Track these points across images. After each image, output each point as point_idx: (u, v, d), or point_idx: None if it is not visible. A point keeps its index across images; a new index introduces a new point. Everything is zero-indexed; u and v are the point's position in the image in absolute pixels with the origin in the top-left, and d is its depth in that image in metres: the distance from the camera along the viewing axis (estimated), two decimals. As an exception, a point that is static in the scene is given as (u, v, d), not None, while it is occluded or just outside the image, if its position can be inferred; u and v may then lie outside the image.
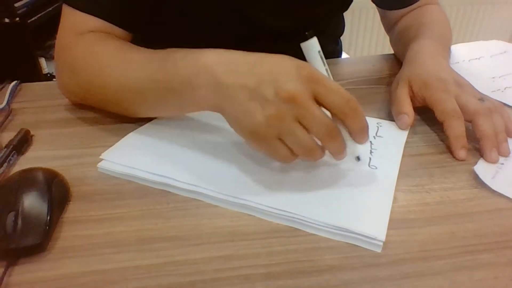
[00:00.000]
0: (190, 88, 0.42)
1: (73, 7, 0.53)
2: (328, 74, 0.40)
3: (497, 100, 0.51)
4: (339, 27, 0.80)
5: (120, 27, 0.54)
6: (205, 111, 0.43)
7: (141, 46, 0.74)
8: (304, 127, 0.37)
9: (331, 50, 0.80)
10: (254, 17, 0.62)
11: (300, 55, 0.40)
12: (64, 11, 0.54)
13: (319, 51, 0.39)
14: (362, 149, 0.43)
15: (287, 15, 0.65)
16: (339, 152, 0.39)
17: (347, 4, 0.72)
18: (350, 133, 0.38)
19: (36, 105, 0.57)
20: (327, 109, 0.37)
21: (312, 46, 0.39)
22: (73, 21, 0.53)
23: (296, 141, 0.37)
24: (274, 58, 0.39)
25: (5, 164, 0.44)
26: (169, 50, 0.46)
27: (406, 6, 0.70)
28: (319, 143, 0.38)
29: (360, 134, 0.38)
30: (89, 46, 0.51)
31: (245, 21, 0.62)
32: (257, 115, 0.37)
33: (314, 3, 0.65)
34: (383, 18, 0.77)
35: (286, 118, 0.37)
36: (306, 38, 0.39)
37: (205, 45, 0.68)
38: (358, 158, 0.43)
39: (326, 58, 0.57)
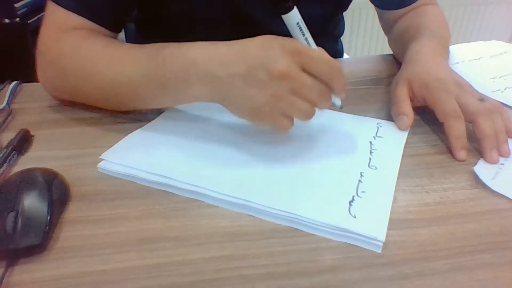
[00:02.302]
0: (185, 85, 0.44)
1: (58, 4, 0.52)
2: (309, 43, 0.42)
3: (497, 101, 0.51)
4: (339, 27, 0.79)
5: (104, 27, 0.54)
6: (202, 107, 0.44)
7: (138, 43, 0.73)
8: (300, 96, 0.41)
9: (331, 50, 0.79)
10: (250, 17, 0.62)
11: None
12: (49, 7, 0.54)
13: (297, 23, 0.41)
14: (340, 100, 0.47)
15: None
16: (327, 106, 0.43)
17: (346, 5, 0.72)
18: (335, 91, 0.42)
19: (36, 105, 0.57)
20: (314, 75, 0.40)
21: (291, 18, 0.41)
22: (57, 18, 0.53)
23: (298, 111, 0.42)
24: (257, 41, 0.42)
25: (5, 164, 0.44)
26: (157, 46, 0.46)
27: (404, 6, 0.70)
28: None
29: (343, 90, 0.43)
30: (75, 42, 0.51)
31: (242, 21, 0.62)
32: (257, 98, 0.41)
33: (312, 3, 0.65)
34: (381, 19, 0.77)
35: (284, 94, 0.40)
36: (287, 10, 0.40)
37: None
38: (341, 107, 0.47)
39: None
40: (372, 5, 0.74)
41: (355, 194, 0.40)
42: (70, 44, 0.51)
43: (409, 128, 0.50)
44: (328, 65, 0.41)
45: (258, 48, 0.41)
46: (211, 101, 0.44)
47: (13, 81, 0.61)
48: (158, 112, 0.53)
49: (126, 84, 0.47)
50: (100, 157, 0.44)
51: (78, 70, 0.50)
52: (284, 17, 0.40)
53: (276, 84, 0.40)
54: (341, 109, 0.47)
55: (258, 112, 0.42)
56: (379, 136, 0.49)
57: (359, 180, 0.42)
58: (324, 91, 0.41)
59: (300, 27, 0.41)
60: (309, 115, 0.42)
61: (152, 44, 0.47)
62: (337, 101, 0.46)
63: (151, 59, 0.45)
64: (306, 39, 0.41)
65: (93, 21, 0.53)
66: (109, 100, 0.50)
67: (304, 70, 0.40)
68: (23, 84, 0.62)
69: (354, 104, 0.57)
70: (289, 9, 0.40)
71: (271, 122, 0.42)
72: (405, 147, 0.47)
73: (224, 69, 0.41)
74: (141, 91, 0.47)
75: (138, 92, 0.47)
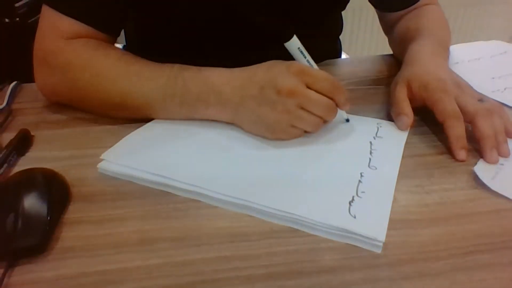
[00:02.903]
0: (204, 105, 0.48)
1: (56, 10, 0.52)
2: (310, 63, 0.48)
3: (497, 101, 0.51)
4: (337, 26, 0.79)
5: (105, 33, 0.55)
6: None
7: (138, 45, 0.73)
8: (307, 111, 0.45)
9: (330, 49, 0.79)
10: (245, 16, 0.62)
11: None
12: (45, 12, 0.53)
13: (298, 48, 0.46)
14: (346, 113, 0.51)
15: (279, 14, 0.64)
16: (332, 118, 0.47)
17: (343, 3, 0.72)
18: (338, 105, 0.47)
19: (36, 105, 0.57)
20: (318, 92, 0.45)
21: (293, 45, 0.46)
22: (57, 24, 0.53)
23: (306, 123, 0.46)
24: (265, 65, 0.47)
25: (5, 165, 0.44)
26: (176, 66, 0.49)
27: (405, 8, 0.69)
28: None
29: (346, 104, 0.47)
30: (85, 54, 0.51)
31: (237, 21, 0.62)
32: (269, 115, 0.45)
33: (308, 2, 0.65)
34: (381, 20, 0.76)
35: (292, 109, 0.44)
36: (288, 38, 0.47)
37: (199, 46, 0.68)
38: (347, 120, 0.51)
39: (324, 58, 0.60)
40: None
41: (355, 194, 0.40)
42: (80, 55, 0.51)
43: (409, 128, 0.50)
44: (328, 82, 0.45)
45: (267, 71, 0.46)
46: (227, 121, 0.49)
47: (13, 81, 0.61)
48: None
49: (142, 98, 0.49)
50: (101, 157, 0.44)
51: (91, 82, 0.50)
52: (286, 44, 0.45)
53: (284, 101, 0.44)
54: (347, 121, 0.51)
55: (271, 127, 0.46)
56: (379, 136, 0.49)
57: (359, 180, 0.42)
58: (329, 104, 0.45)
59: (301, 51, 0.46)
60: (316, 126, 0.47)
61: (171, 64, 0.50)
62: (343, 114, 0.51)
63: (171, 77, 0.48)
64: (308, 61, 0.47)
65: (95, 28, 0.53)
66: (117, 111, 0.51)
67: (308, 87, 0.44)
68: (23, 84, 0.62)
69: (354, 104, 0.57)
70: (290, 37, 0.45)
71: (283, 135, 0.47)
72: (405, 147, 0.47)
73: (238, 93, 0.46)
74: (157, 105, 0.49)
75: (154, 106, 0.49)
